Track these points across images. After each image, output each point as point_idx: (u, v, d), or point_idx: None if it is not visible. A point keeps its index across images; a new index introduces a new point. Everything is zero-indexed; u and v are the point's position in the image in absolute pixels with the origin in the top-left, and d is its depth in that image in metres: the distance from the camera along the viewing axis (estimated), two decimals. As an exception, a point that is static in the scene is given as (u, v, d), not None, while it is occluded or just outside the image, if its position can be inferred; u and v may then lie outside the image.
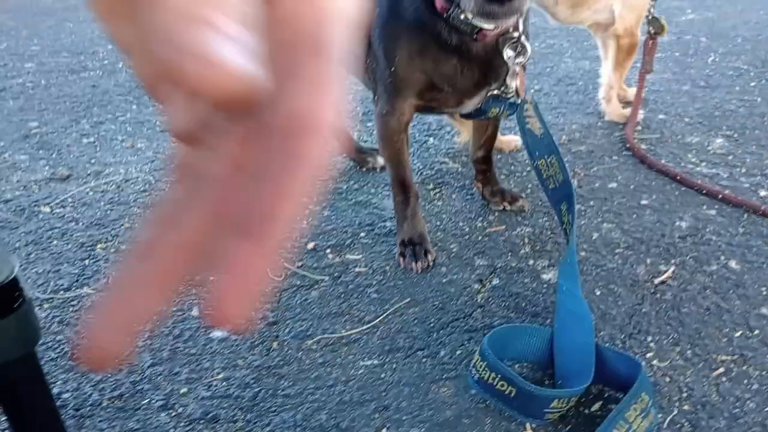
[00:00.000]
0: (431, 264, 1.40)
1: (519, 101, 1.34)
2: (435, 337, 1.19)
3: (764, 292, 1.27)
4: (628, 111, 2.12)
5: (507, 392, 1.00)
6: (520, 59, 1.27)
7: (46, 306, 1.31)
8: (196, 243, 0.24)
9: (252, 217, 0.23)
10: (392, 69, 1.29)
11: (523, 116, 1.40)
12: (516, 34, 1.25)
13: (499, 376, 1.00)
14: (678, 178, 1.71)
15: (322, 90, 0.24)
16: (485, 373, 1.02)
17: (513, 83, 1.30)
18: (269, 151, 0.23)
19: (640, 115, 2.12)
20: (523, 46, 1.26)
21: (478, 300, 1.29)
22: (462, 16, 1.19)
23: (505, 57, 1.26)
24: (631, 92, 2.23)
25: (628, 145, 1.93)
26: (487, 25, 1.20)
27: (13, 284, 0.63)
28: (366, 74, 1.39)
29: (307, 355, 1.16)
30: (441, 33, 1.23)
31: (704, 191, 1.64)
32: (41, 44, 3.43)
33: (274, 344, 1.19)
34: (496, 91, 1.32)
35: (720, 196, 1.60)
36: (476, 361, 1.05)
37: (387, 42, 1.28)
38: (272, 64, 0.24)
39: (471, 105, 1.36)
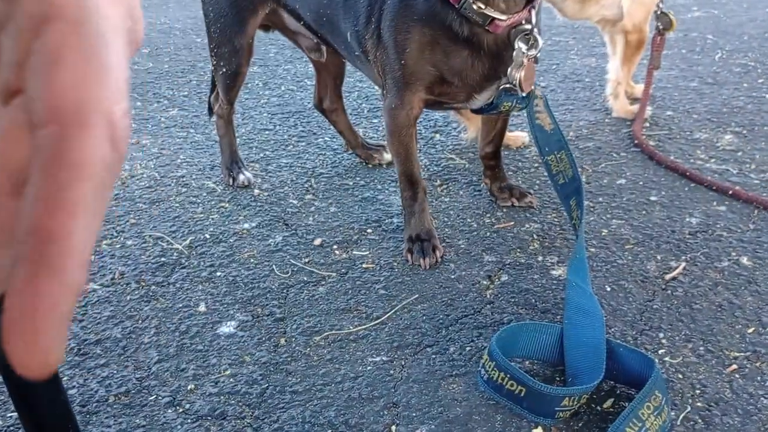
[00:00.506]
0: (439, 260, 1.38)
1: (524, 94, 1.33)
2: (444, 333, 1.18)
3: (776, 289, 1.26)
4: (635, 107, 2.10)
5: (517, 392, 0.99)
6: (532, 52, 1.25)
7: (51, 302, 1.30)
8: None
9: (30, 237, 0.19)
10: (402, 62, 1.28)
11: (532, 111, 1.39)
12: (528, 27, 1.24)
13: (509, 375, 0.99)
14: (687, 174, 1.69)
15: (87, 71, 0.20)
16: (494, 373, 1.01)
17: (517, 74, 1.29)
18: (36, 153, 0.19)
19: (648, 111, 2.10)
20: (536, 39, 1.24)
21: (487, 296, 1.28)
22: (475, 6, 1.18)
23: (517, 49, 1.25)
24: (639, 89, 2.21)
25: (636, 142, 1.91)
26: (500, 15, 1.19)
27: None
28: (375, 67, 1.37)
29: (315, 351, 1.15)
30: (452, 24, 1.22)
31: (714, 187, 1.62)
32: (45, 41, 3.43)
33: (282, 340, 1.18)
34: (508, 85, 1.30)
35: (730, 192, 1.59)
36: (485, 361, 1.04)
37: (397, 34, 1.27)
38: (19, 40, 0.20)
39: (481, 100, 1.34)
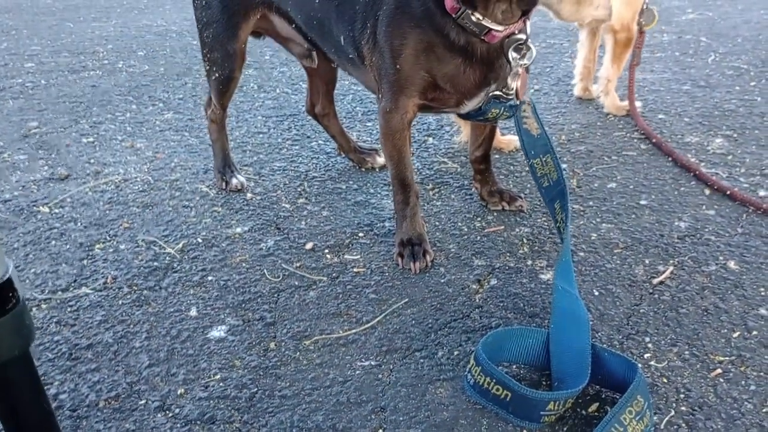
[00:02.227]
0: (429, 264, 1.39)
1: (518, 103, 1.35)
2: (433, 337, 1.19)
3: (763, 293, 1.27)
4: (626, 104, 2.16)
5: (503, 396, 1.00)
6: (524, 61, 1.27)
7: (43, 306, 1.31)
8: None
9: None
10: (397, 66, 1.29)
11: (520, 116, 1.40)
12: (522, 37, 1.26)
13: (494, 380, 1.00)
14: (685, 165, 1.72)
15: None
16: (480, 378, 1.02)
17: (514, 84, 1.31)
18: None
19: (638, 105, 2.18)
20: (529, 48, 1.27)
21: (476, 300, 1.29)
22: (473, 17, 1.20)
23: (510, 58, 1.27)
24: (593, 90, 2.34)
25: (645, 135, 1.94)
26: (497, 26, 1.21)
27: (8, 285, 0.63)
28: (371, 71, 1.39)
29: (305, 355, 1.16)
30: (449, 33, 1.24)
31: (715, 186, 1.66)
32: (41, 44, 3.43)
33: (272, 345, 1.19)
34: (497, 92, 1.32)
35: (728, 192, 1.62)
36: (471, 365, 1.05)
37: (393, 39, 1.28)
38: None
39: (470, 105, 1.36)
